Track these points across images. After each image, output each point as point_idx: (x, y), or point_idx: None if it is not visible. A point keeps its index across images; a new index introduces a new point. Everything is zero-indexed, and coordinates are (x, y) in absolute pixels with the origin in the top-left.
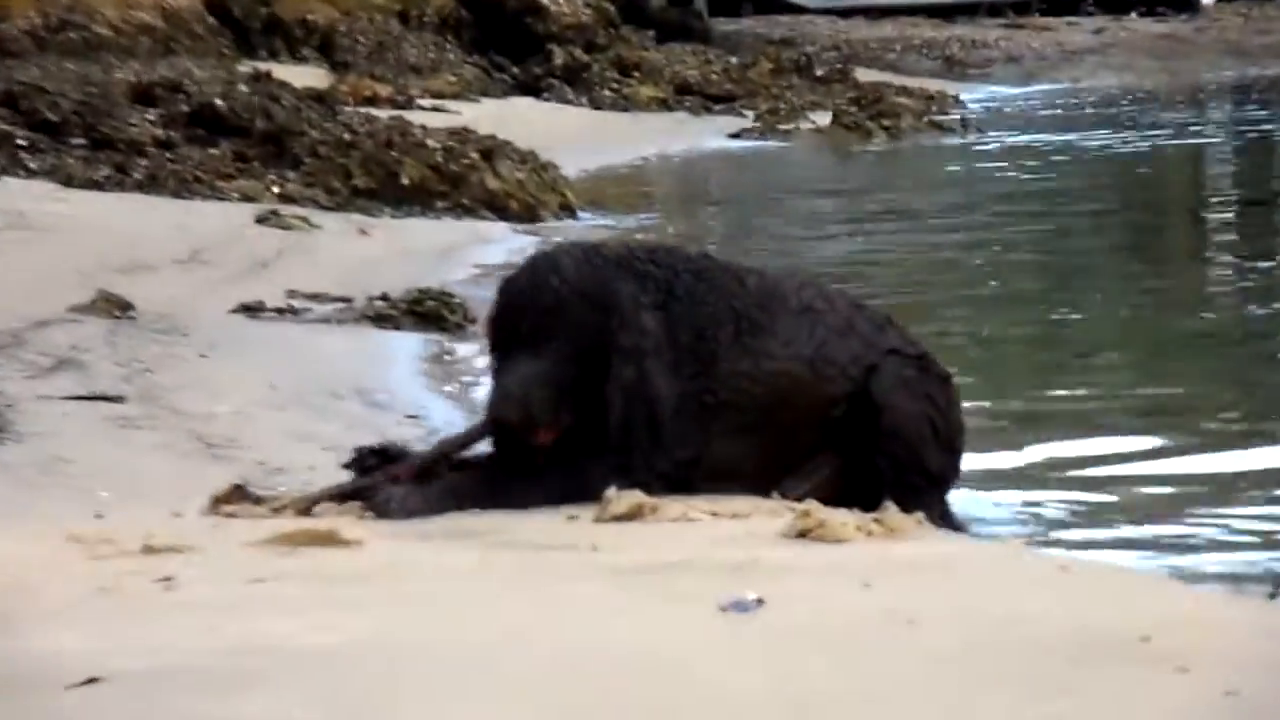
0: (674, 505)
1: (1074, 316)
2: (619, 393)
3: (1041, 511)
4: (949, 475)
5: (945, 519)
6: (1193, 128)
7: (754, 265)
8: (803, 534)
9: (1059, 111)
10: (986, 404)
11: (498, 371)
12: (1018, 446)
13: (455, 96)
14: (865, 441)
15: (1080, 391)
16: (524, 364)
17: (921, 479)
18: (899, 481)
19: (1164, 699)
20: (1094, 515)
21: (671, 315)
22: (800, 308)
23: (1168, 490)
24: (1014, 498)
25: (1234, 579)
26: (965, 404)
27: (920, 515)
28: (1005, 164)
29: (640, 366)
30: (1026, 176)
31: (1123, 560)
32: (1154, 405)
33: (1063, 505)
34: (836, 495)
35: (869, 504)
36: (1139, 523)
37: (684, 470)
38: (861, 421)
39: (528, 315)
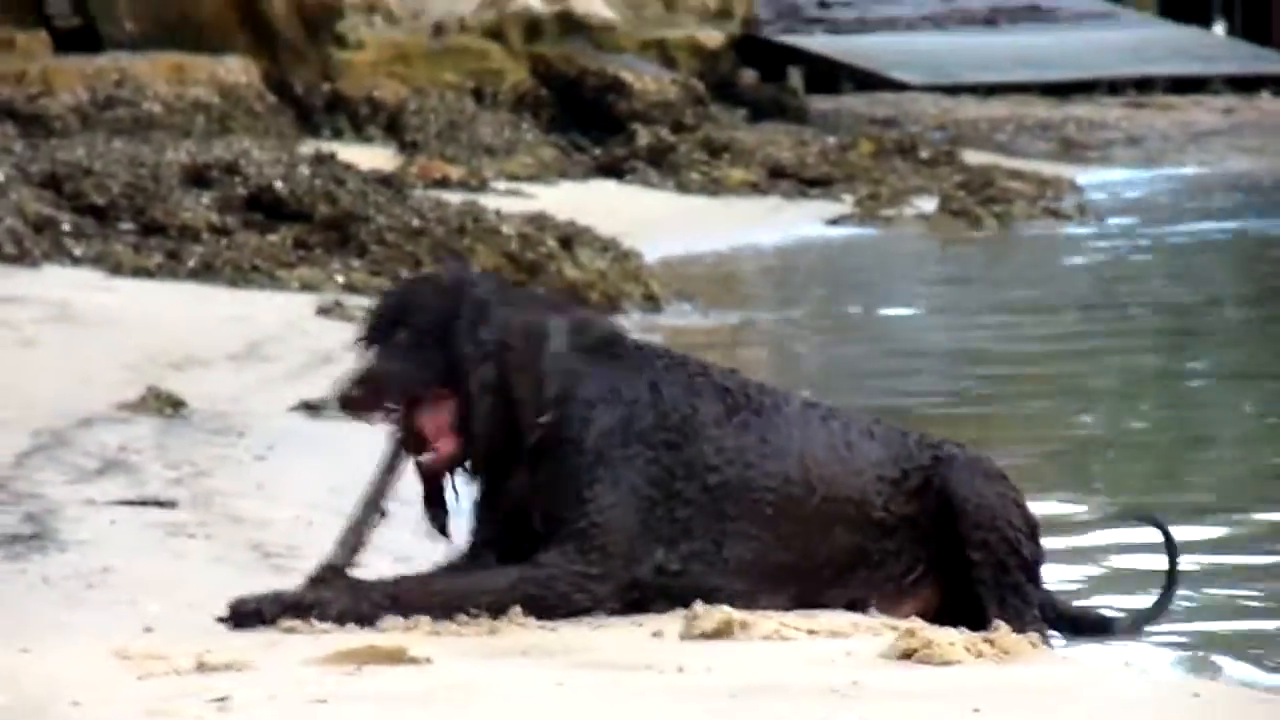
0: (766, 621)
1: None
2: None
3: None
4: (1040, 562)
5: (1054, 607)
6: None
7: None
8: (906, 655)
9: (1185, 198)
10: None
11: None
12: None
13: (532, 179)
14: (948, 541)
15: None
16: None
17: (1021, 573)
18: (999, 581)
19: None
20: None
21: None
22: (805, 404)
23: None
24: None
25: None
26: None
27: (1035, 635)
28: (1129, 255)
29: (501, 364)
30: (1155, 273)
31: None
32: None
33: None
34: (936, 611)
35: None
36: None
37: (695, 566)
38: (939, 522)
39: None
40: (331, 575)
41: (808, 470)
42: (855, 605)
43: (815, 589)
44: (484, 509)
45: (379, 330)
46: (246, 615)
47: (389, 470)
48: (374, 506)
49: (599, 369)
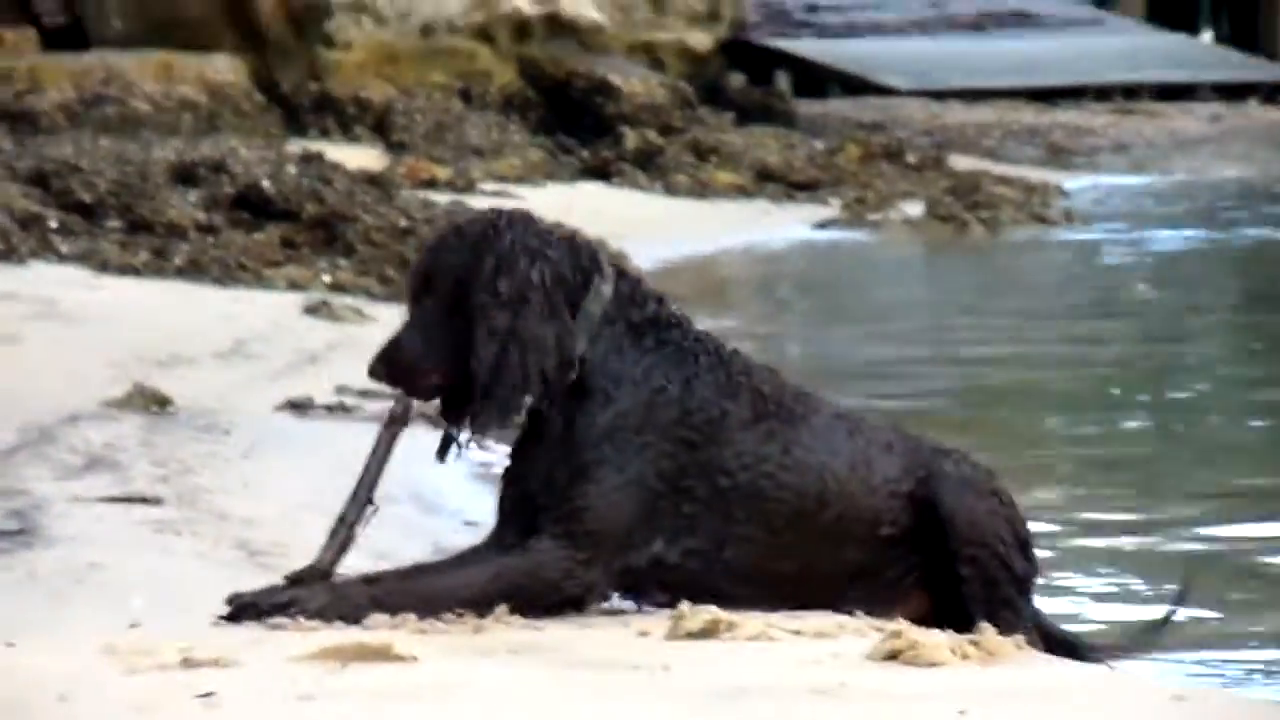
0: (752, 622)
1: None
2: (486, 340)
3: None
4: (1032, 581)
5: (1040, 627)
6: None
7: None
8: (892, 656)
9: (1171, 204)
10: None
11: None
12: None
13: (519, 180)
14: (939, 554)
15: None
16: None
17: (1010, 587)
18: (988, 594)
19: None
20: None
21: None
22: (836, 414)
23: None
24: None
25: None
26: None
27: (1020, 638)
28: (1115, 261)
29: (517, 313)
30: (1139, 276)
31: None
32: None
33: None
34: (926, 616)
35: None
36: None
37: (694, 562)
38: (927, 536)
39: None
40: (316, 572)
41: (825, 487)
42: (847, 611)
43: (814, 599)
44: (504, 483)
45: (411, 293)
46: (244, 610)
47: (379, 460)
48: (363, 499)
49: (636, 349)
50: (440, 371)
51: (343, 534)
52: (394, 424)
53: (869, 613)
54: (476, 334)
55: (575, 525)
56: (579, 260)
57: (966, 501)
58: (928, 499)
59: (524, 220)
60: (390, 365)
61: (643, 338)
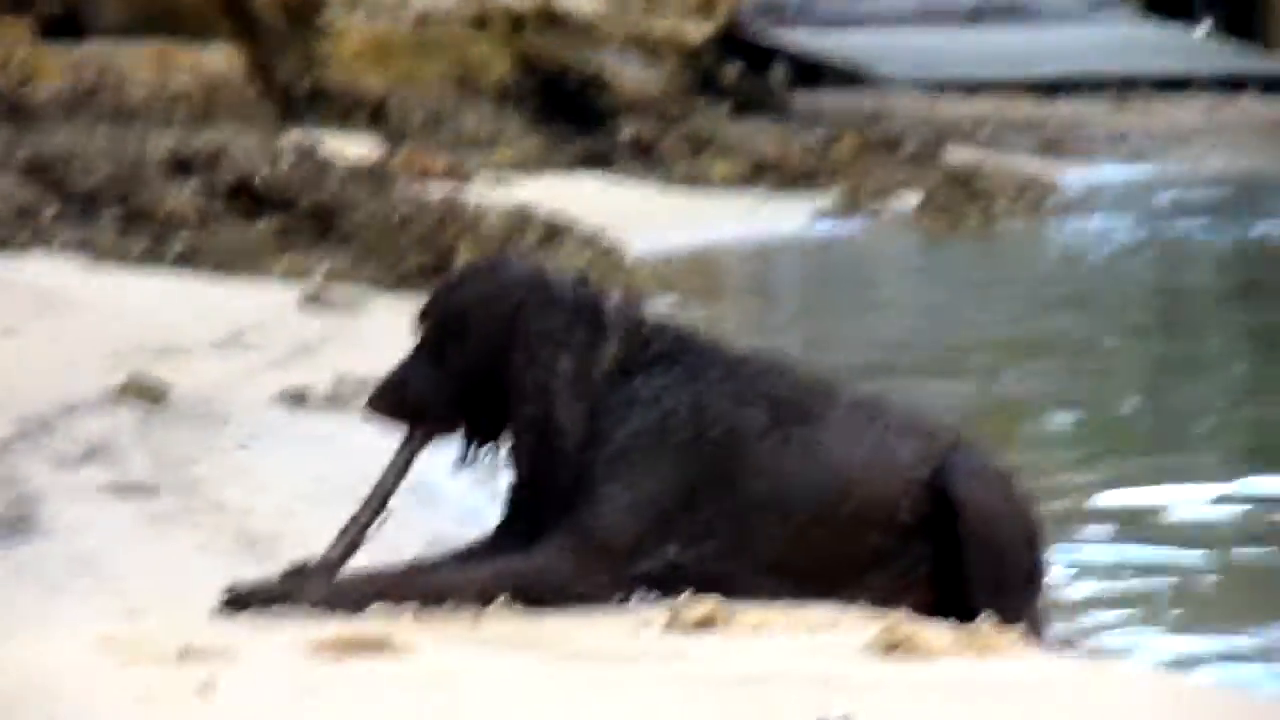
0: (751, 613)
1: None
2: (524, 430)
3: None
4: (1040, 576)
5: (1039, 626)
6: None
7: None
8: (891, 647)
9: (1165, 197)
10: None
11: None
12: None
13: (516, 169)
14: (949, 544)
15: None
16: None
17: (1017, 579)
18: (994, 585)
19: None
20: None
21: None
22: (853, 403)
23: None
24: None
25: None
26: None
27: (1019, 630)
28: (1109, 253)
29: (547, 404)
30: (1136, 268)
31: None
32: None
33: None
34: (929, 605)
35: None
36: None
37: (711, 564)
38: (941, 523)
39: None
40: (323, 566)
41: (844, 481)
42: (863, 600)
43: (834, 588)
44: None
45: (426, 332)
46: (241, 601)
47: (397, 473)
48: (378, 505)
49: (646, 375)
50: (451, 421)
51: (353, 533)
52: (412, 444)
53: (882, 602)
54: (511, 422)
55: (585, 535)
56: (595, 335)
57: (978, 493)
58: (942, 488)
59: (544, 297)
60: (398, 403)
61: (652, 367)
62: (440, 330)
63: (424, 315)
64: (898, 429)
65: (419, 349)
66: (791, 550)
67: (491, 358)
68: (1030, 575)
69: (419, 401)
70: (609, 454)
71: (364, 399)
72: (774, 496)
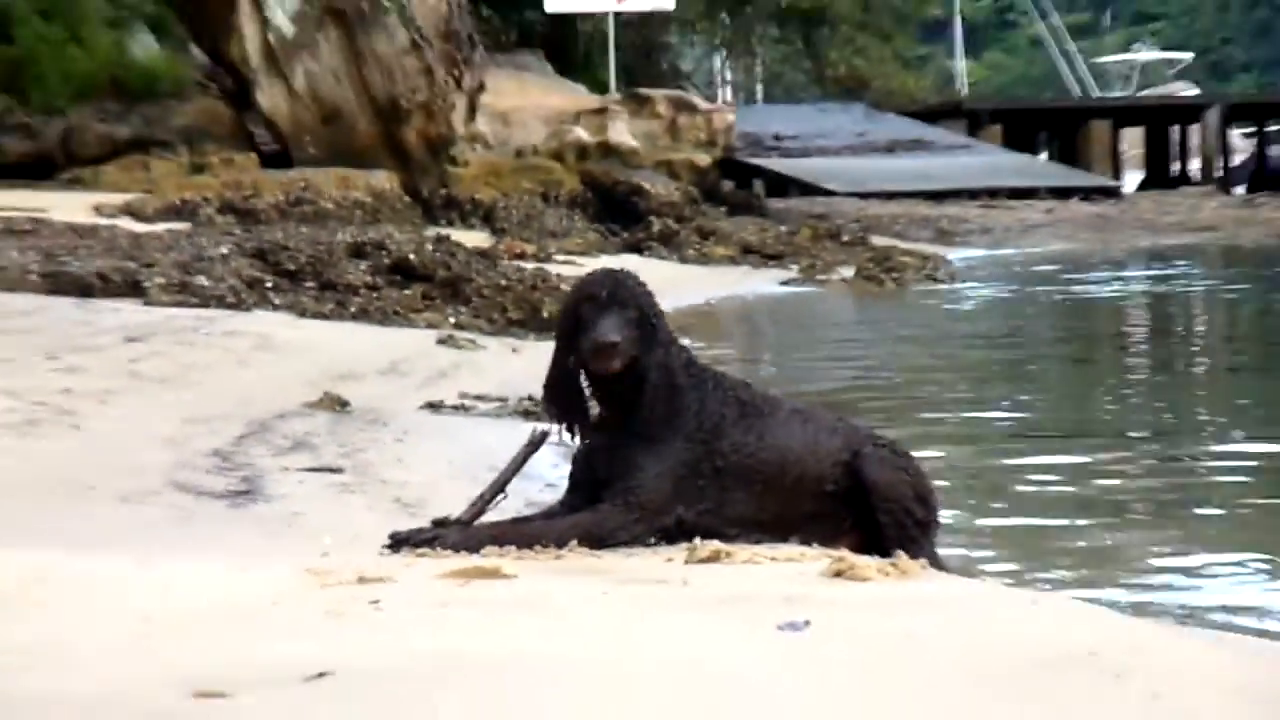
0: (743, 551)
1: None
2: (654, 367)
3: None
4: (932, 525)
5: (935, 560)
6: (1119, 282)
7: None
8: (838, 574)
9: (1018, 268)
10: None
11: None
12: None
13: (581, 253)
14: (866, 506)
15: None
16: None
17: (914, 529)
18: (899, 533)
19: (1104, 701)
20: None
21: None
22: (792, 409)
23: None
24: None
25: (1184, 611)
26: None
27: (924, 561)
28: (981, 305)
29: (667, 352)
30: (996, 315)
31: (1086, 596)
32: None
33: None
34: (859, 547)
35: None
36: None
37: (704, 518)
38: (859, 493)
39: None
40: (459, 521)
41: (786, 459)
42: (807, 543)
43: (784, 535)
44: (577, 467)
45: (611, 300)
46: (399, 544)
47: (515, 466)
48: (500, 487)
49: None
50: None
51: (480, 504)
52: (532, 446)
53: (821, 544)
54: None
55: (631, 497)
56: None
57: (883, 473)
58: (857, 469)
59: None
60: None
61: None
62: (609, 294)
63: (602, 290)
64: (827, 427)
65: (606, 311)
66: (752, 508)
67: (643, 314)
68: (923, 526)
69: (625, 341)
70: (647, 437)
71: (480, 408)
72: (741, 468)
